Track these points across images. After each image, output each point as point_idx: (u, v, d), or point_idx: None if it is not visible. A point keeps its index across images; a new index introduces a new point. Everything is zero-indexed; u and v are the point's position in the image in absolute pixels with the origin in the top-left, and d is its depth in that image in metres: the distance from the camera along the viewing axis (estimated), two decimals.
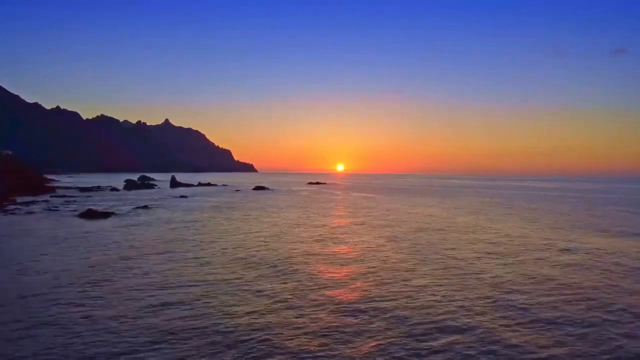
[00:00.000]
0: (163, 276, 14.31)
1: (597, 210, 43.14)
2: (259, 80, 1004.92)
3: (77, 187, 75.64)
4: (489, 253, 19.06)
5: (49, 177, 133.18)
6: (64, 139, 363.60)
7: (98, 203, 45.05)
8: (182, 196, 56.89)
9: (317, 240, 22.31)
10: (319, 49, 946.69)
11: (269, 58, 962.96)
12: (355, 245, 21.11)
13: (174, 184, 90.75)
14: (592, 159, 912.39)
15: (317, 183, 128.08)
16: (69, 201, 47.03)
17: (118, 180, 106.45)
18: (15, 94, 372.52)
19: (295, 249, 19.60)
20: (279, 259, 17.29)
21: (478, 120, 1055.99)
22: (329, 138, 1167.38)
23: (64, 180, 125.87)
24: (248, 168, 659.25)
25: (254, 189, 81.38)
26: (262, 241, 21.81)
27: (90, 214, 32.23)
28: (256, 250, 19.18)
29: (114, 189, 71.54)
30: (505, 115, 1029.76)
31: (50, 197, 53.13)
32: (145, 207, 40.11)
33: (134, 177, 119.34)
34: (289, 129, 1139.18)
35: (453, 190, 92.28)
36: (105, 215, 32.74)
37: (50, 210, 37.22)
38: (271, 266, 16.07)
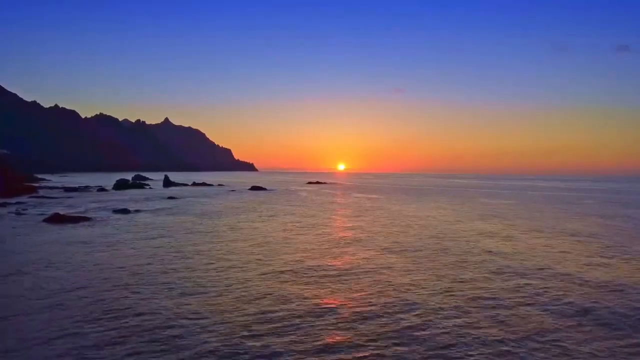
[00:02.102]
0: None
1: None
2: (259, 80, 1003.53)
3: (63, 187, 71.92)
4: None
5: (40, 176, 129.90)
6: (62, 138, 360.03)
7: (77, 205, 41.37)
8: (171, 197, 53.12)
9: (292, 276, 14.29)
10: (319, 48, 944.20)
11: (269, 57, 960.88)
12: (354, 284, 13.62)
13: (167, 183, 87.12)
14: (596, 158, 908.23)
15: (317, 183, 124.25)
16: (44, 203, 43.28)
17: (114, 179, 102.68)
18: (13, 92, 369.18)
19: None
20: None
21: (480, 119, 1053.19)
22: (330, 137, 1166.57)
23: (55, 179, 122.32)
24: (248, 167, 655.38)
25: (250, 189, 77.62)
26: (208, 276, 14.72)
27: (56, 219, 28.50)
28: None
29: (101, 189, 67.77)
30: (507, 113, 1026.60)
31: (29, 197, 49.48)
32: (124, 210, 36.32)
33: (132, 176, 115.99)
34: (290, 128, 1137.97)
35: (461, 190, 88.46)
36: (74, 220, 28.95)
37: (18, 213, 33.44)
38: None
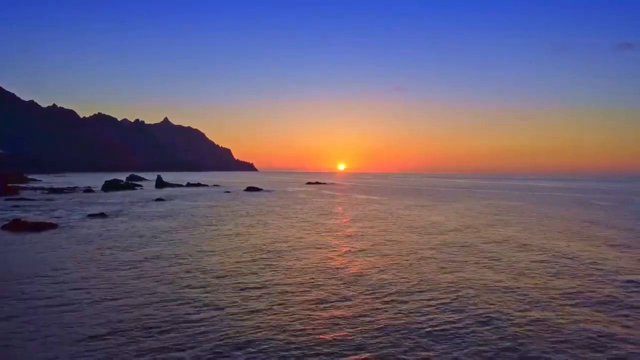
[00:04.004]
0: None
1: None
2: (259, 80, 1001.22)
3: (50, 188, 68.44)
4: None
5: (34, 176, 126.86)
6: (61, 138, 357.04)
7: (54, 208, 38.07)
8: (159, 199, 49.76)
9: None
10: (319, 48, 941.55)
11: (269, 57, 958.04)
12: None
13: (160, 184, 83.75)
14: (596, 158, 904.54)
15: (317, 183, 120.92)
16: (19, 206, 39.99)
17: (109, 179, 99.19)
18: (11, 92, 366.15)
19: None
20: None
21: (480, 119, 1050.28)
22: (330, 137, 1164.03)
23: (47, 180, 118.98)
24: (248, 167, 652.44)
25: (245, 189, 74.26)
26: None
27: (15, 226, 25.12)
28: None
29: (88, 190, 64.47)
30: (508, 113, 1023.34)
31: (5, 200, 46.21)
32: (101, 214, 32.93)
33: (127, 176, 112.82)
34: (290, 128, 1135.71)
35: (467, 191, 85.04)
36: (37, 227, 25.51)
37: None
38: None
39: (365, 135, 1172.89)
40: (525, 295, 12.49)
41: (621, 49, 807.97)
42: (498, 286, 13.40)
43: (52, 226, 26.31)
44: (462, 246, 20.62)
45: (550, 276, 14.76)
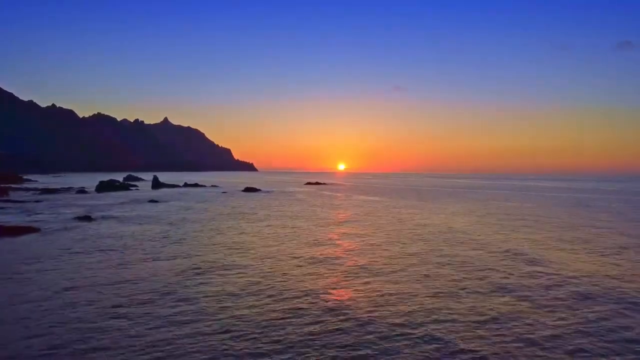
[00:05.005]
0: None
1: None
2: (259, 80, 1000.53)
3: (43, 189, 66.96)
4: None
5: (30, 177, 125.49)
6: (60, 138, 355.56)
7: (41, 211, 36.63)
8: (152, 200, 48.28)
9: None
10: (319, 48, 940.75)
11: (269, 57, 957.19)
12: None
13: (157, 184, 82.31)
14: (596, 158, 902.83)
15: (316, 183, 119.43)
16: (5, 208, 38.52)
17: (104, 180, 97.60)
18: (10, 91, 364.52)
19: None
20: None
21: (480, 119, 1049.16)
22: (330, 137, 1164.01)
23: (44, 180, 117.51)
24: (248, 167, 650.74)
25: (243, 190, 72.78)
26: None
27: None
28: None
29: (81, 191, 62.96)
30: (508, 113, 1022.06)
31: None
32: (87, 217, 31.45)
33: (124, 176, 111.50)
34: (290, 128, 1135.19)
35: (466, 191, 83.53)
36: (16, 231, 24.07)
37: None
38: None
39: (365, 135, 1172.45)
40: (536, 333, 11.00)
41: (621, 48, 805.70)
42: (501, 319, 11.92)
43: (33, 230, 24.86)
44: (455, 259, 19.13)
45: (566, 308, 13.27)
